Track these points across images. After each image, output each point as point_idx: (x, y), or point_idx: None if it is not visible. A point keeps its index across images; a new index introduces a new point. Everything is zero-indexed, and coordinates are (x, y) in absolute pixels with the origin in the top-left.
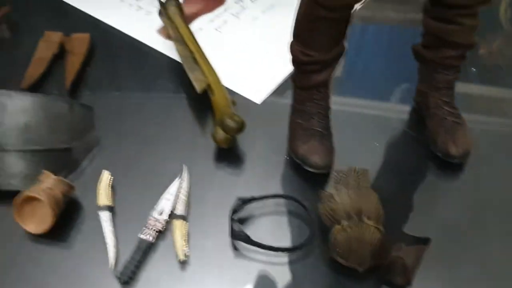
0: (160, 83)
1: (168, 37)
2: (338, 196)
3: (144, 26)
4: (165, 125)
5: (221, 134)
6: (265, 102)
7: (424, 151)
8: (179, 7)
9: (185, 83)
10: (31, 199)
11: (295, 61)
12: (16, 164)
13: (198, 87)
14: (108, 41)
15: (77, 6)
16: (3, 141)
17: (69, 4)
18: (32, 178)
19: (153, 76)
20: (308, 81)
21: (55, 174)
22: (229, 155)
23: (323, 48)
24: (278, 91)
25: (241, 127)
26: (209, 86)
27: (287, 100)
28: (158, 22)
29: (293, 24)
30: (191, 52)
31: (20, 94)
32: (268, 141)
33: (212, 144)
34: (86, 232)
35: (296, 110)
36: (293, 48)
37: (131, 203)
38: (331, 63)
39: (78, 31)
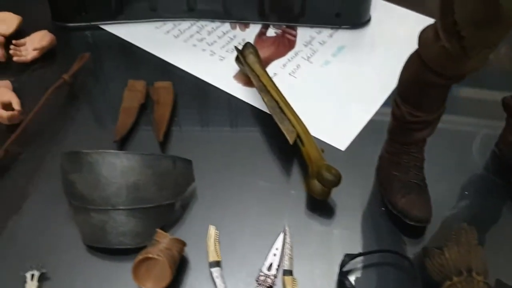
0: (245, 131)
1: (245, 83)
2: (448, 252)
3: (220, 72)
4: (256, 174)
5: (318, 186)
6: (349, 148)
7: None
8: (257, 54)
9: (271, 132)
10: (148, 259)
11: (399, 120)
12: (127, 223)
13: (290, 139)
14: (187, 88)
15: (151, 51)
16: (115, 200)
17: (141, 49)
18: (142, 235)
19: (237, 124)
20: (409, 138)
21: (162, 229)
22: (321, 206)
23: (431, 110)
24: (360, 137)
25: (338, 180)
26: (298, 136)
27: (370, 146)
28: (233, 68)
29: (399, 84)
30: (276, 101)
31: (127, 153)
32: (358, 190)
33: (302, 194)
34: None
35: (391, 162)
36: (400, 108)
37: (235, 256)
38: (435, 121)
39: (154, 76)
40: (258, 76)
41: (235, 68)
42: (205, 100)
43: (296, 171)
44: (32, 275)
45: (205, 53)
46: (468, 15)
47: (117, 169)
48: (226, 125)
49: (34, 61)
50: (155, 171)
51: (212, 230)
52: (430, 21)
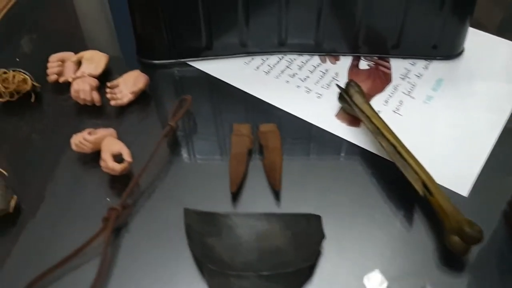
0: (358, 175)
1: (349, 123)
2: None
3: (320, 111)
4: (385, 225)
5: (458, 243)
6: (472, 193)
7: None
8: (362, 93)
9: (386, 177)
10: None
11: None
12: None
13: (420, 189)
14: (288, 129)
15: (243, 88)
16: (258, 266)
17: (232, 86)
18: None
19: (348, 169)
20: None
21: None
22: (455, 260)
23: None
24: (481, 179)
25: (481, 237)
26: (424, 184)
27: (491, 191)
28: (332, 106)
29: None
30: (393, 146)
31: (268, 215)
32: (489, 242)
33: (433, 247)
34: None
35: None
36: None
37: None
38: None
39: (252, 116)
40: (369, 118)
41: (334, 106)
42: (309, 142)
43: (424, 221)
44: None
45: (300, 90)
46: None
47: (259, 232)
48: (340, 171)
49: (129, 104)
50: (294, 232)
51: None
52: None
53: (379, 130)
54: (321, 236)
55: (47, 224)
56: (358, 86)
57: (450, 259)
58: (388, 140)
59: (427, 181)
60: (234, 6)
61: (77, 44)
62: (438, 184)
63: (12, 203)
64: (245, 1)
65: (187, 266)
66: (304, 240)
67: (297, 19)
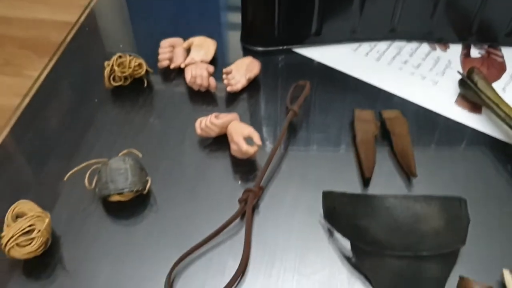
0: (495, 166)
1: (471, 109)
2: None
3: (438, 98)
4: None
5: None
6: None
7: None
8: (486, 79)
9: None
10: None
11: None
12: (428, 269)
13: None
14: (408, 116)
15: (354, 75)
16: (418, 246)
17: (342, 72)
18: (441, 282)
19: (481, 156)
20: None
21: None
22: None
23: None
24: None
25: None
26: None
27: None
28: (450, 92)
29: None
30: None
31: (425, 198)
32: None
33: None
34: None
35: None
36: None
37: None
38: None
39: (368, 103)
40: (497, 104)
41: (452, 93)
42: (432, 128)
43: None
44: None
45: (415, 77)
46: None
47: (417, 214)
48: (463, 156)
49: (242, 91)
50: (450, 214)
51: (508, 275)
52: None
53: (509, 117)
54: (468, 219)
55: (178, 205)
56: (481, 73)
57: None
58: None
59: None
60: None
61: (182, 31)
62: None
63: (148, 185)
64: None
65: (322, 245)
66: (456, 223)
67: (413, 6)
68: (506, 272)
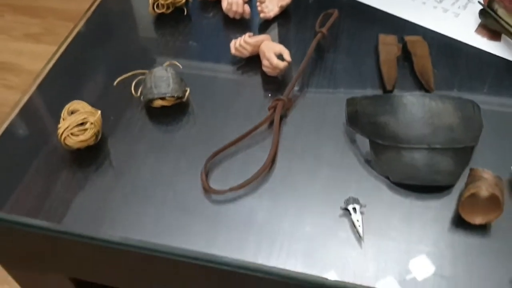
0: (500, 83)
1: (490, 37)
2: None
3: (460, 28)
4: None
5: None
6: None
7: None
8: (506, 7)
9: None
10: (475, 195)
11: None
12: (442, 162)
13: None
14: (430, 42)
15: (382, 8)
16: (431, 139)
17: (373, 7)
18: (453, 174)
19: (496, 76)
20: None
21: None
22: None
23: None
24: None
25: None
26: None
27: None
28: (470, 23)
29: None
30: None
31: (441, 96)
32: None
33: None
34: None
35: None
36: None
37: None
38: None
39: (393, 31)
40: None
41: (472, 23)
42: (454, 54)
43: None
44: (354, 208)
45: (437, 10)
46: None
47: (432, 110)
48: (487, 76)
49: (275, 18)
50: (464, 114)
51: None
52: None
53: None
54: (481, 124)
55: (214, 113)
56: (502, 2)
57: None
58: None
59: None
60: None
61: None
62: None
63: (187, 93)
64: None
65: (349, 149)
66: (470, 123)
67: None
68: None
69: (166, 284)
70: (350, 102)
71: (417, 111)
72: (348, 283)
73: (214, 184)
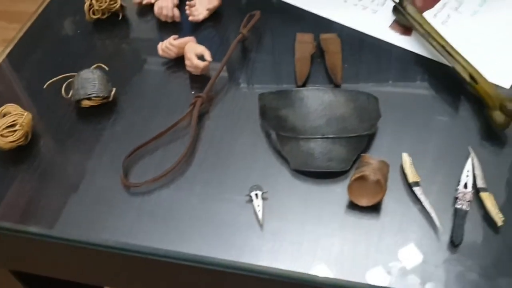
0: (412, 76)
1: (402, 32)
2: None
3: (375, 24)
4: (434, 110)
5: (500, 117)
6: None
7: None
8: (414, 4)
9: (437, 74)
10: (363, 178)
11: None
12: (334, 149)
13: (467, 77)
14: (347, 39)
15: (307, 9)
16: (324, 130)
17: (292, 5)
18: (345, 161)
19: (401, 69)
20: None
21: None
22: (500, 134)
23: None
24: None
25: None
26: (470, 75)
27: None
28: (386, 19)
29: None
30: (442, 46)
31: (334, 89)
32: None
33: (478, 125)
34: (403, 203)
35: None
36: None
37: (429, 179)
38: None
39: (314, 30)
40: (421, 24)
41: (388, 20)
42: (366, 49)
43: (468, 106)
44: (256, 194)
45: (357, 7)
46: None
47: (325, 102)
48: (393, 69)
49: (204, 21)
50: (356, 105)
51: (406, 157)
52: None
53: (429, 34)
54: (378, 114)
55: (140, 111)
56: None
57: (490, 132)
58: (438, 41)
59: (473, 72)
60: None
61: None
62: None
63: (112, 93)
64: None
65: (260, 141)
66: (364, 114)
67: None
68: (404, 155)
69: (98, 272)
70: (261, 97)
71: (312, 104)
72: (243, 263)
73: (136, 178)
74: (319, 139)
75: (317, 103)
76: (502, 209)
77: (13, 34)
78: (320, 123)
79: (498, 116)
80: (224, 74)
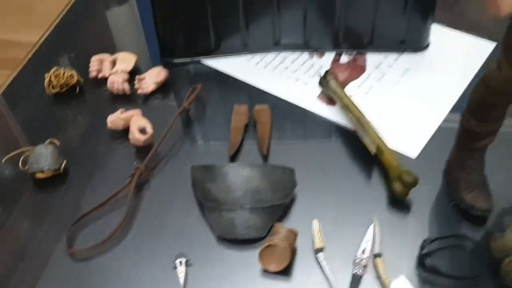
0: (331, 143)
1: (327, 103)
2: (508, 234)
3: (305, 95)
4: (345, 178)
5: (399, 187)
6: (419, 156)
7: None
8: (336, 79)
9: (352, 144)
10: (271, 246)
11: (467, 130)
12: (251, 218)
13: (373, 149)
14: (279, 109)
15: (247, 81)
16: (242, 201)
17: (236, 78)
18: (262, 228)
19: (324, 137)
20: (475, 146)
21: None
22: (400, 203)
23: (497, 121)
24: (428, 145)
25: (416, 182)
26: (378, 147)
27: (438, 153)
28: (315, 90)
29: (468, 103)
30: (357, 118)
31: (251, 165)
32: (429, 191)
33: (384, 194)
34: (308, 268)
35: (457, 166)
36: (468, 121)
37: (333, 244)
38: (498, 130)
39: (251, 101)
40: (340, 98)
41: (317, 90)
42: (295, 119)
43: (376, 175)
44: (180, 262)
45: (290, 79)
46: None
47: (243, 177)
48: (315, 138)
49: (153, 93)
50: (271, 178)
51: (316, 223)
52: (483, 42)
53: (347, 107)
54: (294, 184)
55: (89, 181)
56: (333, 74)
57: (393, 200)
58: (353, 114)
59: (381, 144)
60: (236, 13)
61: (112, 48)
62: (391, 147)
63: (62, 165)
64: (245, 9)
65: (192, 210)
66: (279, 185)
67: (287, 22)
68: (314, 221)
69: None
70: (192, 170)
71: (232, 178)
72: None
73: (81, 245)
74: (238, 210)
75: (236, 177)
76: (392, 272)
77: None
78: (238, 195)
79: (397, 186)
80: (167, 145)
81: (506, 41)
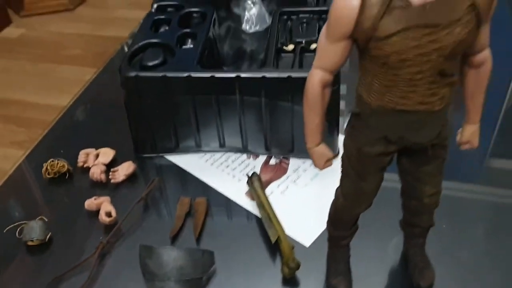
0: (249, 231)
1: (252, 199)
2: None
3: (237, 191)
4: (254, 259)
5: (286, 270)
6: (312, 244)
7: None
8: (260, 179)
9: (264, 234)
10: None
11: (329, 233)
12: None
13: (273, 239)
14: (216, 202)
15: (195, 175)
16: (170, 275)
17: (189, 173)
18: None
19: (246, 227)
20: (336, 244)
21: None
22: (290, 282)
23: (347, 229)
24: (321, 237)
25: (297, 267)
26: (278, 237)
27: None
28: (245, 187)
29: (329, 215)
30: (268, 214)
31: (179, 249)
32: (315, 273)
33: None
34: None
35: (330, 256)
36: (328, 227)
37: None
38: (352, 234)
39: (197, 193)
40: (258, 196)
41: (246, 188)
42: (227, 210)
43: (278, 258)
44: None
45: (229, 176)
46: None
47: (172, 257)
48: (239, 227)
49: (123, 182)
50: (193, 258)
51: None
52: None
53: (261, 204)
54: (212, 263)
55: (66, 248)
56: (258, 175)
57: (285, 281)
58: (265, 210)
59: (281, 235)
60: (190, 121)
61: (99, 142)
62: (289, 237)
63: (47, 236)
64: (196, 118)
65: (141, 279)
66: (199, 264)
67: (229, 129)
68: None
69: None
70: (141, 248)
71: (164, 257)
72: None
73: None
74: (166, 281)
75: (168, 256)
76: None
77: (20, 137)
78: (167, 270)
79: (284, 269)
80: (127, 225)
81: None
